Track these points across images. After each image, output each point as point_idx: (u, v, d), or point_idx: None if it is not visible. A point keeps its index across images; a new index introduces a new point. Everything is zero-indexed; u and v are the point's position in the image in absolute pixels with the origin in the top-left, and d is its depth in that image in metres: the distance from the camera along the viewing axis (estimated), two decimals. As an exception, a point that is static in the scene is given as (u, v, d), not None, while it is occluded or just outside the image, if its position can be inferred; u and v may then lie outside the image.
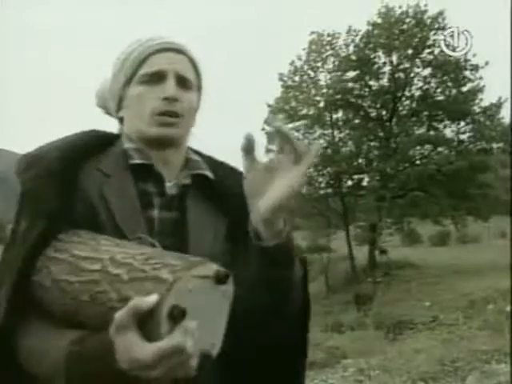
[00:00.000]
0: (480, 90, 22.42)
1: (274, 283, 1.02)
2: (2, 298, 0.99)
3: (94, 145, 1.15)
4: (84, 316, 0.92)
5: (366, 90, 23.54)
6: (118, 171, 1.12)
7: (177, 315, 0.80)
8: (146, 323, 0.82)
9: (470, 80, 22.46)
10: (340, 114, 24.44)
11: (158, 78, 1.13)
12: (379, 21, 22.67)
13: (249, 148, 1.01)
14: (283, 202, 0.96)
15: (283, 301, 1.06)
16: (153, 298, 0.81)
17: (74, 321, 0.94)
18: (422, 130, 23.53)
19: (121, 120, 1.22)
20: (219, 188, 1.19)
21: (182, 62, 1.16)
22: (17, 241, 1.03)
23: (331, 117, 24.26)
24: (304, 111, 24.12)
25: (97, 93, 1.29)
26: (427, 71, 23.06)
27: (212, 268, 0.87)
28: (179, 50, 1.17)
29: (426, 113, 23.35)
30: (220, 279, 0.86)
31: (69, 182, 1.06)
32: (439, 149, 22.95)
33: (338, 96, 22.77)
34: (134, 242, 1.01)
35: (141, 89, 1.14)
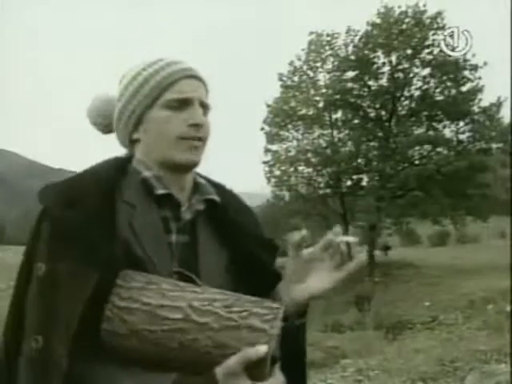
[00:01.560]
0: (479, 89, 22.43)
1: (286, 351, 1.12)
2: (62, 340, 0.98)
3: (117, 175, 1.16)
4: (175, 360, 0.97)
5: (366, 90, 23.54)
6: (141, 201, 1.13)
7: (274, 361, 0.95)
8: (251, 367, 0.92)
9: (469, 80, 22.46)
10: (339, 114, 24.46)
11: (184, 104, 1.16)
12: (378, 21, 22.67)
13: (300, 244, 1.12)
14: (316, 296, 1.13)
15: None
16: (263, 349, 0.92)
17: (158, 364, 0.98)
18: (422, 130, 23.53)
19: (131, 142, 1.22)
20: (223, 215, 1.23)
21: (201, 89, 1.21)
22: (64, 284, 1.00)
23: (330, 117, 24.27)
24: (303, 111, 24.12)
25: (91, 109, 1.28)
26: (426, 71, 23.07)
27: (281, 307, 0.99)
28: (199, 78, 1.21)
29: (425, 113, 23.35)
30: (285, 319, 1.00)
31: (110, 222, 1.06)
32: (438, 149, 22.94)
33: (338, 96, 22.77)
34: (175, 276, 1.08)
35: (167, 113, 1.15)
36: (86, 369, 0.98)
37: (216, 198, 1.22)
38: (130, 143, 1.22)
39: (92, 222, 1.03)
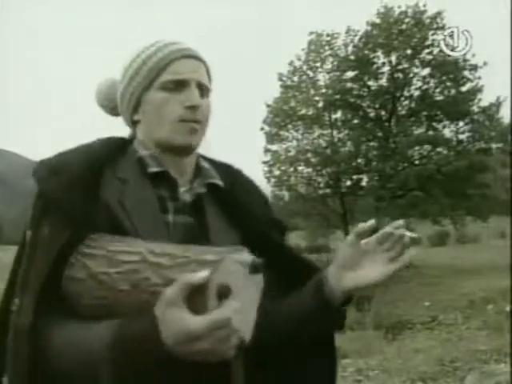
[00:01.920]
0: (479, 89, 22.41)
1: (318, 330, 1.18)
2: (30, 301, 1.00)
3: (111, 152, 1.17)
4: (123, 305, 0.96)
5: (365, 90, 23.53)
6: (135, 178, 1.15)
7: (223, 293, 0.86)
8: (193, 299, 0.87)
9: (469, 80, 22.44)
10: (339, 114, 24.44)
11: (180, 85, 1.16)
12: (378, 21, 22.65)
13: (365, 233, 1.12)
14: (366, 287, 1.13)
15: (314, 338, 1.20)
16: (203, 274, 0.86)
17: (110, 311, 0.96)
18: (421, 130, 23.52)
19: (133, 123, 1.23)
20: (230, 198, 1.24)
21: (200, 69, 1.20)
22: (40, 247, 1.04)
23: (330, 117, 24.26)
24: (303, 111, 24.11)
25: (99, 92, 1.29)
26: (426, 71, 23.06)
27: (249, 256, 0.92)
28: (198, 58, 1.20)
29: (425, 113, 23.34)
30: (256, 268, 0.91)
31: (92, 191, 1.07)
32: (438, 149, 22.93)
33: (337, 96, 22.76)
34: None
35: (163, 95, 1.16)
36: (44, 324, 0.98)
37: (219, 182, 1.22)
38: (132, 124, 1.24)
39: (71, 187, 1.05)
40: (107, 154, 1.16)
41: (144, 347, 0.88)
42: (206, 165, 1.25)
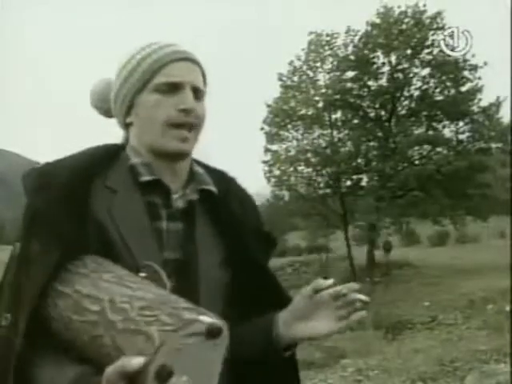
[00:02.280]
0: (479, 89, 22.41)
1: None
2: (22, 320, 0.98)
3: (102, 161, 1.15)
4: (86, 354, 0.94)
5: (365, 90, 23.53)
6: (125, 187, 1.13)
7: (163, 375, 0.80)
8: (134, 381, 0.82)
9: (468, 80, 22.44)
10: (339, 115, 24.44)
11: (174, 88, 1.13)
12: (378, 21, 22.65)
13: (321, 290, 1.12)
14: (316, 338, 1.13)
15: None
16: (139, 360, 0.80)
17: (79, 355, 0.95)
18: (421, 130, 23.52)
19: (126, 125, 1.21)
20: (222, 205, 1.22)
21: (195, 72, 1.17)
22: (31, 263, 1.01)
23: (330, 117, 24.26)
24: (303, 111, 24.10)
25: (93, 93, 1.27)
26: (426, 71, 23.06)
27: (204, 323, 0.84)
28: (193, 61, 1.18)
29: (424, 113, 23.34)
30: (212, 334, 0.84)
31: (81, 205, 1.05)
32: (438, 149, 22.93)
33: (337, 96, 22.76)
34: (143, 269, 1.02)
35: (156, 97, 1.13)
36: (30, 350, 0.97)
37: (212, 188, 1.21)
38: (125, 127, 1.22)
39: (60, 202, 1.03)
40: (98, 164, 1.13)
41: None
42: (199, 170, 1.23)
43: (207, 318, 0.85)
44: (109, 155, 1.18)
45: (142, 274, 1.00)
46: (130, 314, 0.89)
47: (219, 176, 1.27)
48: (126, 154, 1.18)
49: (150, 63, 1.15)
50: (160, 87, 1.13)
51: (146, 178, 1.13)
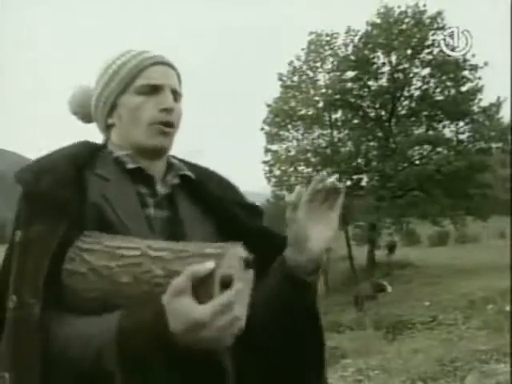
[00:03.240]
0: (479, 90, 22.43)
1: (299, 309, 1.17)
2: (32, 295, 1.01)
3: (89, 154, 1.22)
4: (124, 298, 0.98)
5: (365, 90, 23.55)
6: (115, 175, 1.19)
7: (227, 283, 0.91)
8: (197, 290, 0.91)
9: (469, 80, 22.46)
10: (339, 114, 24.47)
11: (155, 89, 1.21)
12: (378, 21, 22.68)
13: (297, 203, 1.11)
14: (328, 242, 1.13)
15: (297, 322, 1.20)
16: (210, 265, 0.90)
17: (111, 304, 0.98)
18: (421, 130, 23.54)
19: (108, 127, 1.28)
20: (201, 188, 1.29)
21: (173, 75, 1.26)
22: (35, 244, 1.05)
23: (330, 117, 24.28)
24: (303, 111, 24.13)
25: (72, 100, 1.33)
26: (426, 71, 23.09)
27: (244, 252, 0.97)
28: (169, 65, 1.26)
29: (425, 113, 23.36)
30: (248, 264, 0.96)
31: (80, 188, 1.11)
32: (438, 149, 22.95)
33: (337, 96, 22.78)
34: None
35: (138, 99, 1.21)
36: (48, 319, 1.00)
37: (189, 173, 1.28)
38: (107, 128, 1.28)
39: (64, 184, 1.09)
40: (86, 155, 1.21)
41: (151, 336, 0.91)
42: (175, 161, 1.30)
43: (243, 250, 0.98)
44: (93, 149, 1.25)
45: None
46: (175, 248, 0.99)
47: (194, 166, 1.35)
48: (109, 149, 1.25)
49: (130, 67, 1.23)
50: (142, 89, 1.22)
51: (131, 165, 1.20)
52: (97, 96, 1.27)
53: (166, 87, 1.22)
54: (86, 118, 1.33)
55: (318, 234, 1.11)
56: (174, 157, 1.34)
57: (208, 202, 1.28)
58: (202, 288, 0.91)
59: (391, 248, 24.17)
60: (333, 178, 1.11)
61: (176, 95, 1.25)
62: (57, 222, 1.05)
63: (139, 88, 1.21)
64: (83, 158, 1.19)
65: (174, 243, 1.03)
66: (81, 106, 1.32)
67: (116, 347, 0.93)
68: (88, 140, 1.28)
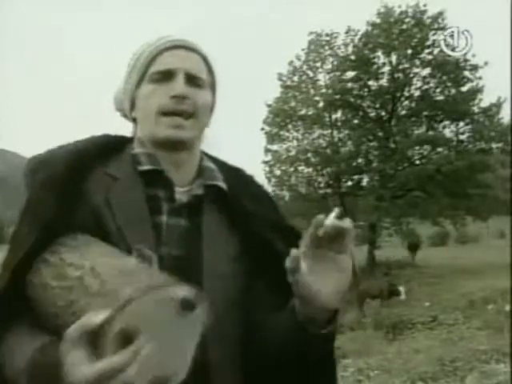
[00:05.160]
0: (479, 90, 22.44)
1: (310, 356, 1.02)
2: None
3: (104, 150, 1.13)
4: (62, 321, 0.90)
5: (365, 90, 23.55)
6: (126, 175, 1.10)
7: (125, 336, 0.76)
8: (96, 341, 0.79)
9: (469, 80, 22.48)
10: (339, 115, 24.47)
11: (167, 76, 1.11)
12: (378, 21, 22.68)
13: (295, 268, 0.93)
14: (343, 289, 0.96)
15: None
16: (101, 316, 0.77)
17: (54, 324, 0.92)
18: (422, 130, 23.55)
19: (134, 120, 1.19)
20: (233, 202, 1.15)
21: (192, 59, 1.14)
22: (16, 244, 1.02)
23: (330, 117, 24.28)
24: (303, 111, 24.13)
25: (115, 96, 1.26)
26: (426, 71, 23.10)
27: (179, 293, 0.79)
28: (190, 48, 1.14)
29: (425, 113, 23.37)
30: (188, 305, 0.79)
31: (72, 189, 1.03)
32: (438, 149, 22.96)
33: (337, 96, 22.78)
34: (134, 252, 0.97)
35: (150, 87, 1.11)
36: (7, 325, 0.97)
37: (221, 184, 1.15)
38: (134, 122, 1.20)
39: (51, 186, 1.02)
40: (98, 151, 1.11)
41: (54, 379, 0.82)
42: (210, 165, 1.18)
43: (182, 291, 0.80)
44: (113, 145, 1.16)
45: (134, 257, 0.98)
46: (106, 278, 0.87)
47: (233, 173, 1.22)
48: (133, 145, 1.17)
49: (146, 55, 1.13)
50: (154, 77, 1.11)
51: (145, 167, 1.10)
52: (122, 91, 1.20)
53: (179, 71, 1.10)
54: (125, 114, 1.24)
55: (327, 281, 0.94)
56: (213, 158, 1.22)
57: (237, 218, 1.14)
58: (99, 340, 0.78)
59: (413, 247, 23.80)
60: (332, 218, 0.93)
61: (196, 80, 1.12)
62: (32, 227, 1.00)
63: (152, 75, 1.11)
64: (93, 153, 1.10)
65: (125, 263, 0.91)
66: (118, 101, 1.24)
67: (25, 375, 0.88)
68: (110, 134, 1.19)
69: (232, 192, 1.16)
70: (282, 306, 1.05)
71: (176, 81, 1.09)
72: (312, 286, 0.93)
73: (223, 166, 1.21)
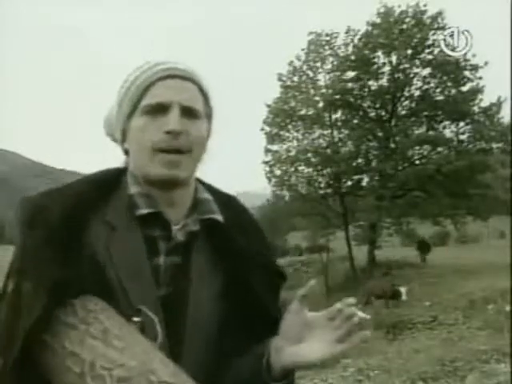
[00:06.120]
0: (479, 90, 22.42)
1: None
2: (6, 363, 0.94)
3: (102, 191, 1.08)
4: None
5: (366, 90, 23.53)
6: (124, 222, 1.06)
7: None
8: None
9: (469, 80, 22.45)
10: (339, 115, 24.47)
11: (161, 109, 1.04)
12: (378, 21, 22.66)
13: (305, 299, 1.01)
14: (302, 365, 1.00)
15: None
16: None
17: None
18: (422, 130, 23.54)
19: (126, 152, 1.14)
20: (226, 236, 1.13)
21: (187, 90, 1.07)
22: (23, 304, 0.96)
23: (330, 117, 24.27)
24: (303, 111, 24.12)
25: (105, 121, 1.20)
26: (427, 71, 23.07)
27: None
28: (185, 77, 1.08)
29: (425, 113, 23.35)
30: None
31: (74, 246, 0.99)
32: (439, 149, 22.95)
33: (337, 96, 22.77)
34: (137, 313, 1.00)
35: (143, 120, 1.05)
36: None
37: (217, 216, 1.12)
38: (125, 153, 1.14)
39: (50, 242, 0.97)
40: (96, 196, 1.06)
41: None
42: (206, 196, 1.15)
43: None
44: (109, 183, 1.11)
45: (136, 319, 0.99)
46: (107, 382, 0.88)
47: (228, 202, 1.19)
48: (126, 181, 1.11)
49: (138, 84, 1.06)
50: (147, 109, 1.05)
51: (143, 211, 1.05)
52: (114, 118, 1.13)
53: (175, 105, 1.04)
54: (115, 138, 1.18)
55: (309, 345, 0.98)
56: (208, 187, 1.19)
57: (224, 255, 1.12)
58: None
59: (424, 248, 23.51)
60: (363, 315, 0.97)
61: (191, 112, 1.06)
62: (38, 288, 0.94)
63: (145, 108, 1.05)
64: (91, 200, 1.05)
65: (130, 362, 0.91)
66: (109, 127, 1.18)
67: None
68: (110, 168, 1.15)
69: (226, 224, 1.13)
70: (250, 349, 1.08)
71: (170, 115, 1.03)
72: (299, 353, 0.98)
73: (217, 194, 1.18)
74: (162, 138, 1.03)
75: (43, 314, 0.93)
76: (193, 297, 1.08)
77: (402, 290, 14.34)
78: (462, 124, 23.02)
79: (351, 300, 0.97)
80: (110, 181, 1.11)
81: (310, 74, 24.32)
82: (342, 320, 0.96)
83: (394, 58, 22.97)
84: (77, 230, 1.00)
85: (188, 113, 1.05)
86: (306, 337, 0.99)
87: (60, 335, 0.95)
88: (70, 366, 0.92)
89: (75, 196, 1.04)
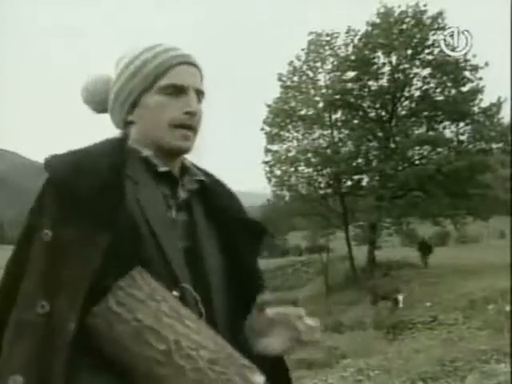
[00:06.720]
0: (479, 90, 22.41)
1: None
2: (67, 305, 0.98)
3: (119, 152, 1.16)
4: (133, 377, 0.96)
5: (366, 90, 23.52)
6: (143, 178, 1.16)
7: None
8: None
9: (469, 80, 22.44)
10: (339, 115, 24.45)
11: (179, 90, 1.19)
12: (378, 21, 22.65)
13: (262, 306, 1.15)
14: (274, 355, 1.15)
15: None
16: None
17: (121, 371, 0.97)
18: (422, 131, 23.52)
19: (126, 123, 1.23)
20: (212, 196, 1.27)
21: (197, 76, 1.23)
22: (70, 251, 1.01)
23: (330, 117, 24.27)
24: (303, 111, 24.12)
25: (86, 88, 1.27)
26: (426, 71, 23.05)
27: (260, 378, 0.95)
28: (194, 64, 1.23)
29: (425, 113, 23.34)
30: None
31: (122, 193, 1.07)
32: (439, 149, 22.94)
33: (337, 96, 22.76)
34: (178, 289, 1.06)
35: (162, 99, 1.18)
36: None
37: (205, 178, 1.26)
38: (126, 124, 1.24)
39: (103, 191, 1.04)
40: (122, 156, 1.14)
41: None
42: (190, 162, 1.28)
43: (262, 379, 0.95)
44: (122, 148, 1.18)
45: (175, 293, 1.04)
46: (199, 364, 0.93)
47: (204, 171, 1.31)
48: (132, 147, 1.20)
49: (155, 65, 1.19)
50: (165, 89, 1.18)
51: (162, 168, 1.18)
52: (118, 89, 1.22)
53: (191, 88, 1.20)
54: (99, 107, 1.27)
55: (272, 339, 1.14)
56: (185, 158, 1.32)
57: (217, 215, 1.26)
58: None
59: (426, 250, 23.37)
60: (312, 323, 1.11)
61: (199, 96, 1.22)
62: (98, 233, 1.00)
63: (163, 88, 1.18)
64: (121, 160, 1.12)
65: (208, 342, 0.98)
66: (94, 95, 1.26)
67: None
68: (113, 138, 1.21)
69: (210, 187, 1.27)
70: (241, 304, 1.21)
71: (189, 97, 1.19)
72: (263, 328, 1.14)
73: (194, 165, 1.30)
74: (180, 116, 1.18)
75: (103, 261, 0.98)
76: (205, 252, 1.19)
77: (400, 297, 14.52)
78: (461, 124, 23.02)
79: (301, 312, 1.12)
80: (121, 145, 1.18)
81: (310, 74, 24.32)
82: (293, 327, 1.11)
83: (393, 59, 22.96)
84: (122, 183, 1.08)
85: (198, 96, 1.22)
86: (270, 331, 1.14)
87: (128, 306, 0.97)
88: (151, 341, 0.94)
89: (109, 156, 1.11)
